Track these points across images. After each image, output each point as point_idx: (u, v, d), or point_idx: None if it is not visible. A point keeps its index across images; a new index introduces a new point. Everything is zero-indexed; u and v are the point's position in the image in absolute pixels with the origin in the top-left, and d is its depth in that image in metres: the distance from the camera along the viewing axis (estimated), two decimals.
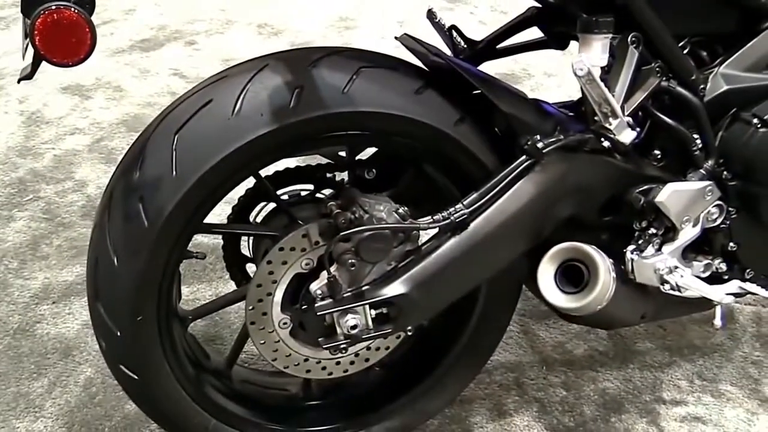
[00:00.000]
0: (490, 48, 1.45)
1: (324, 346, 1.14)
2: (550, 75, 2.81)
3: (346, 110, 1.06)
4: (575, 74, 1.07)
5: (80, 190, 2.16)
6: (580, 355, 1.65)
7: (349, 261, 1.10)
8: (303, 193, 1.34)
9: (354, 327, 1.11)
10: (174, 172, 1.03)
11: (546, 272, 1.19)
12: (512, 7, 2.94)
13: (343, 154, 1.31)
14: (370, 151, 1.29)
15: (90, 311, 1.14)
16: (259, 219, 1.34)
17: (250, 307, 1.18)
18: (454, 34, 1.45)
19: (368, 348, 1.26)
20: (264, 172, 1.18)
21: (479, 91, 1.12)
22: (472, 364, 1.38)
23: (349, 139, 1.12)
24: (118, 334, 1.11)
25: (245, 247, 1.40)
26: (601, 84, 1.08)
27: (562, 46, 1.40)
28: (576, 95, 1.25)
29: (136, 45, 2.98)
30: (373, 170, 1.29)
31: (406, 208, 1.13)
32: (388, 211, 1.12)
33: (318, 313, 1.11)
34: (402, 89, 1.11)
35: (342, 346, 1.14)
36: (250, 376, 1.41)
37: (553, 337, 1.70)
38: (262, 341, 1.20)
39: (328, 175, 1.33)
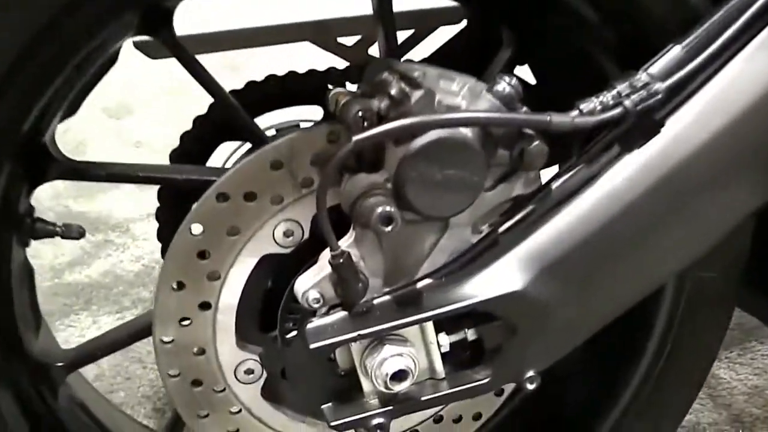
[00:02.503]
0: None
1: (332, 425, 0.49)
2: None
3: None
4: None
5: None
6: None
7: (382, 212, 0.44)
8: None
9: (400, 375, 0.48)
10: None
11: None
12: None
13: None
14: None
15: None
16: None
17: (165, 340, 0.52)
18: None
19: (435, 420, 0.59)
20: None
21: None
22: None
23: None
24: None
25: None
26: None
27: None
28: None
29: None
30: None
31: (517, 81, 0.47)
32: (472, 91, 0.46)
33: (312, 346, 0.46)
34: None
35: (374, 423, 0.48)
36: None
37: (742, 379, 1.10)
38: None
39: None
